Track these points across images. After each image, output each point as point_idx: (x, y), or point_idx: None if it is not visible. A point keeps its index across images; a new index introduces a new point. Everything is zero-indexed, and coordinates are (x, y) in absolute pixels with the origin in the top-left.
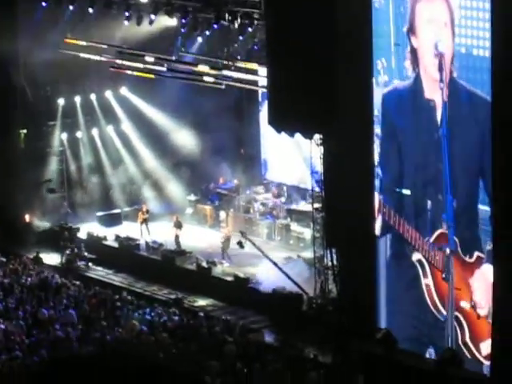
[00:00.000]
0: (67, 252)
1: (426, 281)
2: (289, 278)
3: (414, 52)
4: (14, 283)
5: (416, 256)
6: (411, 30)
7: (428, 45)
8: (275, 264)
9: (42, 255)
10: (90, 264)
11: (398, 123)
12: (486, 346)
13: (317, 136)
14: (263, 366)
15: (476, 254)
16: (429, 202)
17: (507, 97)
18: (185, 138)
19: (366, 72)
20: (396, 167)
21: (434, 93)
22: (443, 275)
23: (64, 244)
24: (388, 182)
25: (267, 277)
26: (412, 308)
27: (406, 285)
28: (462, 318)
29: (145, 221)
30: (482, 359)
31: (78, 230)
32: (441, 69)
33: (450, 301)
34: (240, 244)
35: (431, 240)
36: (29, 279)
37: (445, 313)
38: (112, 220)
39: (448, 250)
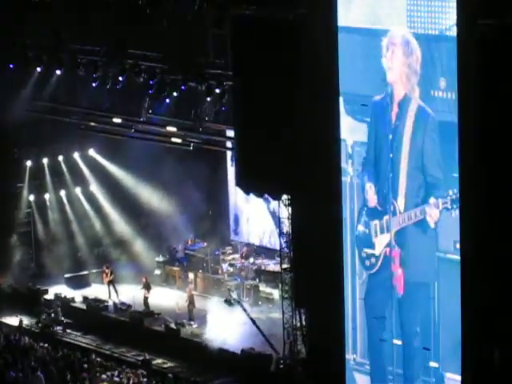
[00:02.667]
0: (43, 317)
1: None
2: (265, 338)
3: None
4: None
5: None
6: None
7: None
8: (254, 322)
9: (8, 317)
10: (67, 329)
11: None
12: None
13: (285, 196)
14: None
15: None
16: None
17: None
18: (153, 199)
19: (332, 126)
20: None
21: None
22: None
23: (39, 309)
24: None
25: (236, 336)
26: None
27: None
28: None
29: (111, 282)
30: None
31: (45, 291)
32: None
33: None
34: (228, 302)
35: None
36: None
37: None
38: (80, 282)
39: None
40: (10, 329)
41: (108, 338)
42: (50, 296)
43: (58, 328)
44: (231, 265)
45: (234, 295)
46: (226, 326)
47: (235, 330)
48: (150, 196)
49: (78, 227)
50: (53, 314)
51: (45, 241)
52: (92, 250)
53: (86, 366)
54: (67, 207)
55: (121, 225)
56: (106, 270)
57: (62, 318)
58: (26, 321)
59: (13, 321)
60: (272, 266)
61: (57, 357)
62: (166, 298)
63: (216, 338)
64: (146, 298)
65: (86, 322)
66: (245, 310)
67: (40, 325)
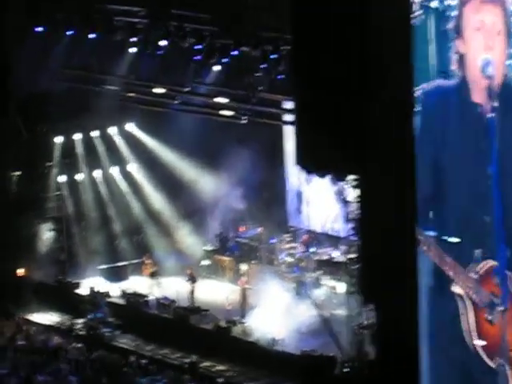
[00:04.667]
0: (89, 317)
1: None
2: (334, 338)
3: (460, 57)
4: (6, 346)
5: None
6: (458, 34)
7: (477, 52)
8: (324, 320)
9: (35, 314)
10: (116, 332)
11: (439, 126)
12: None
13: (351, 176)
14: None
15: None
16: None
17: None
18: (200, 180)
19: (406, 100)
20: (429, 186)
21: (482, 99)
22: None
23: (85, 307)
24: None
25: (293, 336)
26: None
27: (448, 326)
28: None
29: (152, 274)
30: None
31: (77, 285)
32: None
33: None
34: (298, 294)
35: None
36: (22, 342)
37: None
38: (117, 274)
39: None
40: (37, 327)
41: (149, 338)
42: (83, 290)
43: (106, 330)
44: (289, 254)
45: (301, 289)
46: (284, 324)
47: (293, 328)
48: (197, 176)
49: (114, 212)
50: (100, 314)
51: (77, 227)
52: (131, 237)
53: (124, 369)
54: (102, 189)
55: (164, 209)
56: (147, 261)
57: (111, 319)
58: (55, 317)
59: (41, 318)
60: (336, 255)
61: (91, 358)
62: (215, 292)
63: (272, 337)
64: (191, 293)
65: (124, 319)
66: (316, 306)
67: (84, 326)
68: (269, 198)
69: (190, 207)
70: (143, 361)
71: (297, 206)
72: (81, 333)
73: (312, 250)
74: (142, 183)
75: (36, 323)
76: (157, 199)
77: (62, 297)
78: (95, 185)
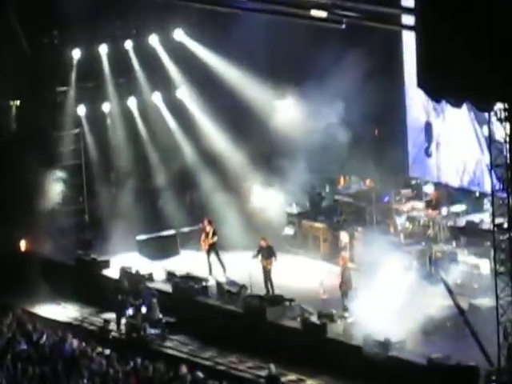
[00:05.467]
0: (129, 313)
1: None
2: (475, 339)
3: None
4: (5, 351)
5: None
6: None
7: None
8: (462, 313)
9: (47, 306)
10: (166, 333)
11: None
12: None
13: (499, 106)
14: None
15: None
16: None
17: None
18: (279, 109)
19: None
20: None
21: None
22: None
23: (123, 298)
24: None
25: (416, 337)
26: None
27: None
28: None
29: (212, 247)
30: None
31: (106, 264)
32: None
33: None
34: (427, 276)
35: None
36: (26, 346)
37: None
38: (161, 248)
39: None
40: (46, 324)
41: (208, 341)
42: (113, 271)
43: (154, 331)
44: (411, 219)
45: (428, 268)
46: (403, 320)
47: (417, 326)
48: (275, 103)
49: (157, 158)
50: (144, 309)
51: (103, 182)
52: (181, 195)
53: None
54: (140, 124)
55: (227, 152)
56: (207, 228)
57: (160, 316)
58: (73, 311)
59: (51, 311)
60: (479, 220)
61: (125, 370)
62: (304, 274)
63: (385, 338)
64: (267, 274)
65: (173, 313)
66: (450, 293)
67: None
68: (381, 137)
69: (266, 149)
70: (199, 373)
71: (421, 150)
72: (113, 334)
73: (443, 212)
74: (195, 115)
75: (44, 318)
76: (218, 138)
77: (83, 280)
78: (129, 118)
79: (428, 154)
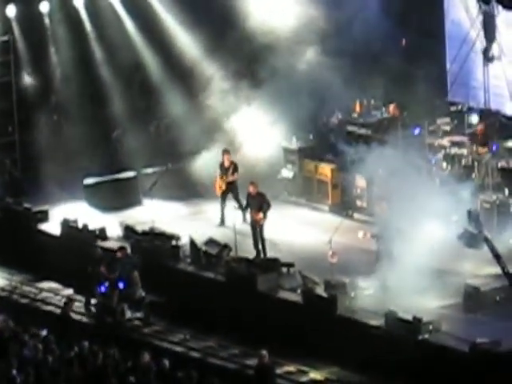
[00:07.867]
0: (101, 290)
1: None
2: None
3: None
4: None
5: None
6: None
7: None
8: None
9: None
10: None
11: None
12: None
13: None
14: None
15: None
16: None
17: None
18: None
19: None
20: None
21: None
22: None
23: (92, 270)
24: None
25: (453, 316)
26: None
27: None
28: None
29: (229, 188)
30: None
31: (44, 216)
32: None
33: None
34: (466, 236)
35: None
36: None
37: None
38: (117, 195)
39: None
40: None
41: (179, 319)
42: (53, 225)
43: (136, 315)
44: (449, 157)
45: (470, 223)
46: (435, 294)
47: (453, 301)
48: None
49: (112, 73)
50: (120, 285)
51: (38, 106)
52: (145, 122)
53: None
54: (89, 29)
55: (199, 61)
56: (226, 163)
57: (143, 294)
58: (1, 278)
59: None
60: None
61: (68, 358)
62: (305, 231)
63: (413, 317)
64: (258, 231)
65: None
66: (497, 258)
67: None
68: (409, 48)
69: (260, 64)
70: (166, 362)
71: (464, 66)
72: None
73: (493, 149)
74: (161, 16)
75: None
76: (189, 47)
77: (13, 238)
78: (75, 21)
79: (488, 57)
